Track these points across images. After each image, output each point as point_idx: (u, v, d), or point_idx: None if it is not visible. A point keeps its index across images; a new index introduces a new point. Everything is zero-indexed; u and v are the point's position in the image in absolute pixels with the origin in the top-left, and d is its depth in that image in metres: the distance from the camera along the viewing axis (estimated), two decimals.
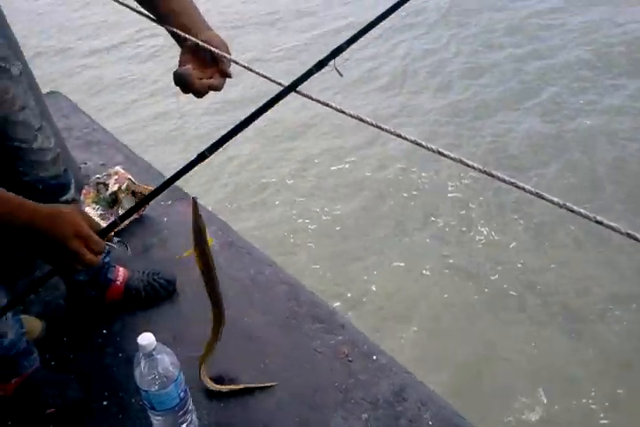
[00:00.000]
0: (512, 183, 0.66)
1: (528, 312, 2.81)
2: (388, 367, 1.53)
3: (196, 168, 0.94)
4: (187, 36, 1.00)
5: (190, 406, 1.39)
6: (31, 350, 1.55)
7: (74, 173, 1.73)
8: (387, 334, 2.72)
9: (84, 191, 2.21)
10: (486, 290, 2.93)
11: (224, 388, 1.53)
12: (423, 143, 0.74)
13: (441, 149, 0.73)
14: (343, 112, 0.71)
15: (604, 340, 2.64)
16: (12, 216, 0.97)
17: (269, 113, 0.87)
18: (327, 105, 0.72)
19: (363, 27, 0.77)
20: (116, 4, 1.11)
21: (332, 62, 0.74)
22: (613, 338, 2.64)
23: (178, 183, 2.44)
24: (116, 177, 2.21)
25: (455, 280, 2.99)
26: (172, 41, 1.08)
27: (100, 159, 2.50)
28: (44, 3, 6.98)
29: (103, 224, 2.08)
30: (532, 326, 2.75)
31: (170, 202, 2.24)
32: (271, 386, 1.52)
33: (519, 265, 3.03)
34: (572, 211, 0.67)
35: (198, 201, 1.29)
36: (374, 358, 1.55)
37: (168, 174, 2.36)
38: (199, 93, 0.99)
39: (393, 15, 0.81)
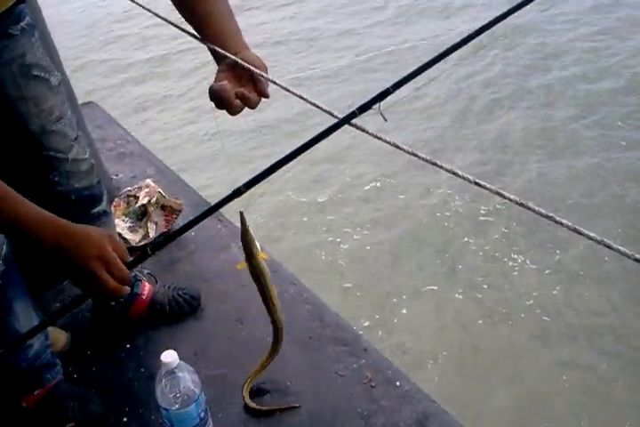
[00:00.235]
0: (549, 217, 0.64)
1: (561, 338, 2.74)
2: (411, 394, 1.50)
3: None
4: (226, 53, 1.00)
5: (210, 426, 1.38)
6: (55, 362, 1.56)
7: (106, 185, 1.75)
8: (414, 358, 2.67)
9: (114, 203, 2.23)
10: (522, 315, 2.86)
11: (263, 407, 1.50)
12: (460, 173, 0.73)
13: (478, 180, 0.72)
14: (397, 147, 0.70)
15: None
16: (40, 231, 0.97)
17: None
18: (378, 138, 0.71)
19: (412, 70, 0.75)
20: (157, 19, 1.12)
21: (376, 106, 0.73)
22: None
23: (209, 199, 2.46)
24: (147, 190, 2.23)
25: (488, 305, 2.93)
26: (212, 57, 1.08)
27: (131, 171, 2.53)
28: (88, 14, 7.12)
29: (132, 236, 2.12)
30: (563, 354, 2.67)
31: None
32: (295, 407, 1.50)
33: (554, 292, 2.95)
34: (610, 247, 0.65)
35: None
36: (397, 384, 1.52)
37: (201, 192, 2.36)
38: (233, 109, 0.98)
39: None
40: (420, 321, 2.90)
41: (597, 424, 2.37)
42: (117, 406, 1.57)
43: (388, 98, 0.81)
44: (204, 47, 1.06)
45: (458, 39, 0.84)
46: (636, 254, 0.64)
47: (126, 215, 2.22)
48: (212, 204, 2.46)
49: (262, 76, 0.98)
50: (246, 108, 1.00)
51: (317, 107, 0.86)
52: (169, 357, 1.24)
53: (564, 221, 0.66)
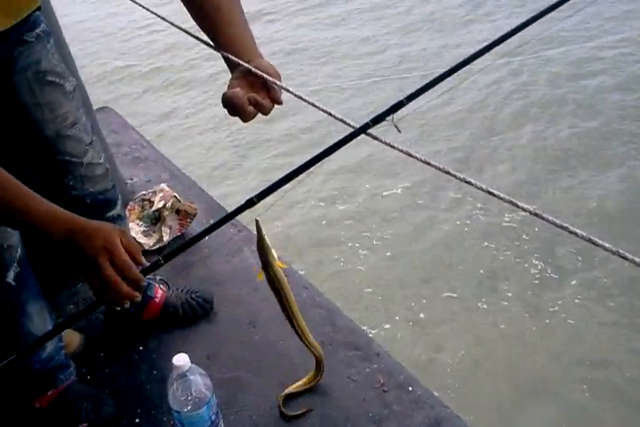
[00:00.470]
0: (563, 227, 0.63)
1: (588, 348, 2.70)
2: (423, 399, 1.49)
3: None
4: (239, 61, 1.00)
5: None
6: (68, 363, 1.57)
7: (120, 189, 1.76)
8: (432, 362, 2.65)
9: (128, 207, 2.25)
10: (547, 321, 2.82)
11: (297, 413, 1.50)
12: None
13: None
14: (421, 160, 0.69)
15: None
16: (51, 225, 0.97)
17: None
18: (394, 147, 0.70)
19: (426, 82, 0.74)
20: (171, 29, 1.13)
21: (389, 117, 0.72)
22: None
23: (222, 202, 2.46)
24: (162, 194, 2.25)
25: (512, 312, 2.89)
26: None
27: (145, 176, 2.55)
28: (108, 23, 7.20)
29: (146, 240, 2.13)
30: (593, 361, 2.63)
31: (212, 221, 2.25)
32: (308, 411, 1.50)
33: (577, 300, 2.91)
34: (625, 258, 0.64)
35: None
36: (410, 389, 1.51)
37: (220, 201, 2.34)
38: (246, 115, 0.97)
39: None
40: (437, 326, 2.87)
41: None
42: (130, 408, 1.58)
43: (417, 103, 0.80)
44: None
45: (477, 48, 0.83)
46: None
47: (141, 219, 2.24)
48: (227, 211, 2.48)
49: (275, 83, 0.97)
50: (259, 115, 1.00)
51: (332, 115, 0.86)
52: (181, 360, 1.25)
53: (578, 232, 0.65)
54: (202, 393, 1.28)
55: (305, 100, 0.91)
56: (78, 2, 7.71)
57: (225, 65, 1.07)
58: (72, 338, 1.74)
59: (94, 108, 2.30)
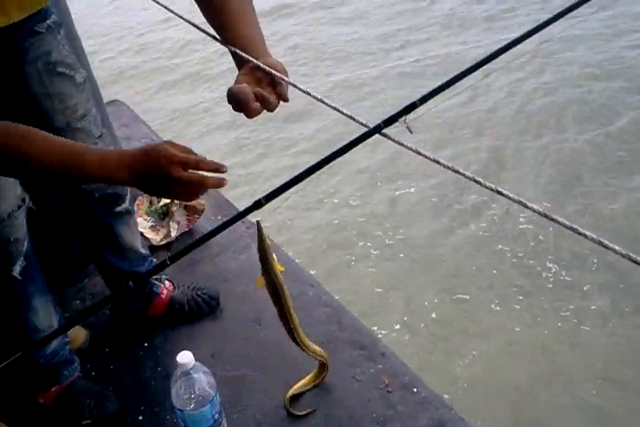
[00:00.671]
0: (573, 229, 0.61)
1: (602, 353, 2.65)
2: (428, 401, 1.47)
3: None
4: (247, 56, 0.99)
5: None
6: (73, 359, 1.57)
7: None
8: (441, 364, 2.63)
9: (137, 202, 2.25)
10: (560, 324, 2.78)
11: (303, 413, 1.49)
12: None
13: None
14: (439, 163, 0.67)
15: None
16: (112, 175, 0.95)
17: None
18: (410, 148, 0.68)
19: (441, 84, 0.72)
20: (187, 25, 1.12)
21: (402, 119, 0.70)
22: None
23: (229, 197, 2.45)
24: None
25: (525, 316, 2.85)
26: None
27: None
28: (125, 18, 7.16)
29: (153, 235, 2.13)
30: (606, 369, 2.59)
31: (219, 217, 2.25)
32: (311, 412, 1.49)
33: (593, 307, 2.88)
34: (637, 263, 0.62)
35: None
36: (415, 390, 1.50)
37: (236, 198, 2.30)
38: (251, 111, 0.95)
39: None
40: (448, 328, 2.85)
41: None
42: (133, 405, 1.58)
43: (434, 101, 0.77)
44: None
45: (496, 47, 0.80)
46: None
47: (148, 214, 2.23)
48: (236, 207, 2.45)
49: (283, 79, 0.96)
50: (276, 114, 0.98)
51: (342, 113, 0.84)
52: (184, 358, 1.24)
53: (587, 234, 0.64)
54: (205, 392, 1.28)
55: (314, 97, 0.89)
56: None
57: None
58: (77, 333, 1.74)
59: (105, 101, 2.29)
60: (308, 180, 0.84)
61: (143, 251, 1.72)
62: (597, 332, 2.74)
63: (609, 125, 4.11)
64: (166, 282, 1.81)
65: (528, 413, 2.42)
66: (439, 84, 0.78)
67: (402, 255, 3.30)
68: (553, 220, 0.58)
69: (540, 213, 0.59)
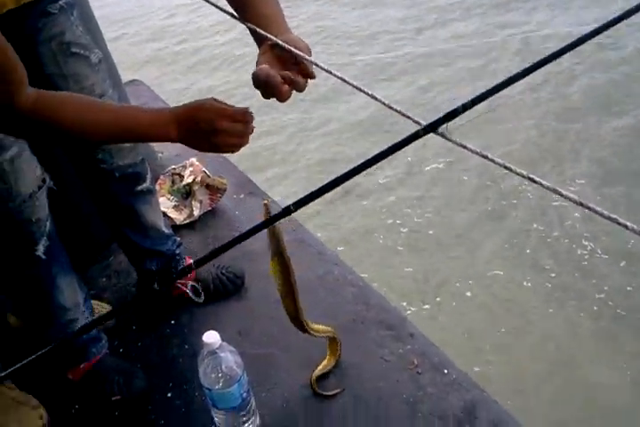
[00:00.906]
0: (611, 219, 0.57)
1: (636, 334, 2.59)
2: (458, 382, 1.45)
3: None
4: (268, 35, 0.95)
5: (253, 406, 1.37)
6: (100, 336, 1.57)
7: (150, 163, 1.73)
8: (472, 342, 2.60)
9: (159, 181, 2.23)
10: (595, 308, 2.72)
11: (330, 393, 1.48)
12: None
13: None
14: (494, 161, 0.63)
15: None
16: (161, 133, 0.99)
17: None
18: (465, 147, 0.64)
19: (487, 89, 0.66)
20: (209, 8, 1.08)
21: (443, 127, 0.66)
22: None
23: (250, 174, 2.42)
24: (192, 168, 2.22)
25: (555, 296, 2.80)
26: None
27: (175, 150, 2.52)
28: (145, 2, 7.06)
29: (176, 215, 2.12)
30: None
31: (242, 196, 2.22)
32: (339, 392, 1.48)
33: (629, 288, 2.82)
34: None
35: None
36: (445, 371, 1.47)
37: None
38: (283, 95, 0.92)
39: None
40: (482, 306, 2.81)
41: None
42: (161, 382, 1.58)
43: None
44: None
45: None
46: None
47: (171, 193, 2.22)
48: (257, 186, 2.43)
49: (305, 58, 0.91)
50: (301, 99, 0.96)
51: (375, 98, 0.80)
52: (211, 337, 1.23)
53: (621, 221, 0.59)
54: (232, 371, 1.27)
55: (335, 76, 0.85)
56: None
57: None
58: (104, 311, 1.74)
59: (124, 81, 2.27)
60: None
61: (166, 230, 1.71)
62: (630, 315, 2.67)
63: None
64: (191, 260, 1.80)
65: (558, 391, 2.38)
66: (487, 88, 0.73)
67: (431, 232, 3.27)
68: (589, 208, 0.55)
69: (576, 202, 0.56)
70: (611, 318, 2.67)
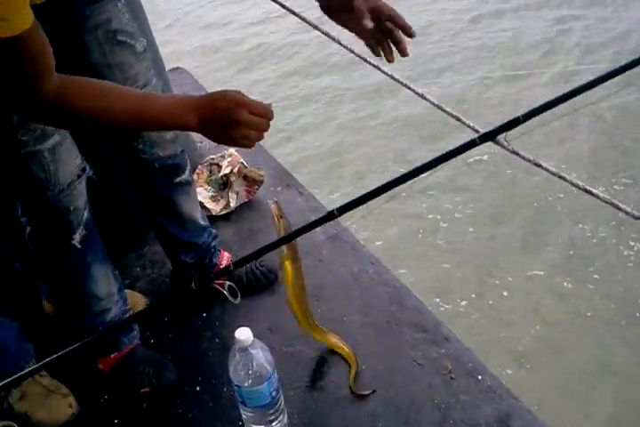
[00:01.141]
0: None
1: None
2: (493, 390, 1.40)
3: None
4: None
5: (282, 405, 1.35)
6: (132, 327, 1.57)
7: (189, 153, 1.72)
8: (504, 341, 2.56)
9: (197, 171, 2.22)
10: (637, 315, 2.63)
11: (365, 392, 1.46)
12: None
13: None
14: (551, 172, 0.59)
15: None
16: (179, 122, 0.98)
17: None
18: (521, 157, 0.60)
19: (550, 99, 0.63)
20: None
21: (502, 136, 0.62)
22: None
23: (289, 168, 2.40)
24: (230, 159, 2.21)
25: (596, 298, 2.72)
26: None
27: None
28: None
29: (213, 206, 2.11)
30: None
31: (279, 188, 2.20)
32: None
33: None
34: None
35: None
36: (479, 378, 1.43)
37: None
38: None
39: None
40: (519, 306, 2.75)
41: None
42: (191, 375, 1.57)
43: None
44: None
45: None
46: None
47: (208, 184, 2.21)
48: (294, 178, 2.40)
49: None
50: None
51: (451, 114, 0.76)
52: (243, 334, 1.20)
53: None
54: (263, 369, 1.25)
55: (386, 74, 0.81)
56: None
57: None
58: (137, 301, 1.74)
59: (167, 68, 2.26)
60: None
61: (202, 222, 1.70)
62: None
63: None
64: (225, 253, 1.79)
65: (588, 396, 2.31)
66: (550, 98, 0.68)
67: (471, 230, 3.20)
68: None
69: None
70: None
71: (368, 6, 1.04)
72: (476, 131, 0.74)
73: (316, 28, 0.96)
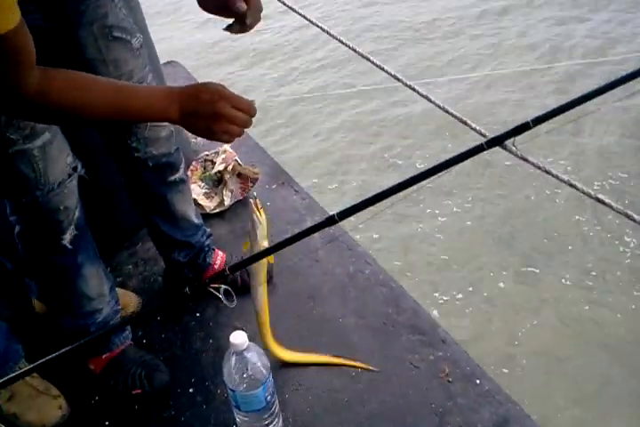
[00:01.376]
0: None
1: None
2: (491, 394, 1.38)
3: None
4: None
5: (277, 408, 1.32)
6: (124, 327, 1.54)
7: (184, 149, 1.69)
8: (500, 339, 2.56)
9: (191, 167, 2.19)
10: (633, 306, 2.64)
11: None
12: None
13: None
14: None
15: None
16: (159, 112, 0.96)
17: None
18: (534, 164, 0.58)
19: (562, 104, 0.61)
20: None
21: (510, 141, 0.60)
22: None
23: (287, 168, 2.36)
24: (224, 156, 2.17)
25: (594, 294, 2.73)
26: None
27: None
28: None
29: (207, 203, 2.07)
30: None
31: (274, 186, 2.17)
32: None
33: None
34: None
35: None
36: (477, 381, 1.41)
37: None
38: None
39: None
40: (514, 302, 2.76)
41: None
42: (184, 377, 1.55)
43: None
44: None
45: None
46: None
47: (202, 180, 2.18)
48: (290, 176, 2.36)
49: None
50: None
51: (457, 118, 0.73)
52: (238, 338, 1.18)
53: None
54: (258, 373, 1.22)
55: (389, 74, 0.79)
56: None
57: None
58: (130, 300, 1.71)
59: (162, 62, 2.21)
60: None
61: (196, 220, 1.66)
62: None
63: None
64: (220, 252, 1.76)
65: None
66: (562, 103, 0.66)
67: (469, 223, 3.20)
68: None
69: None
70: None
71: None
72: (483, 135, 0.71)
73: (316, 25, 0.93)
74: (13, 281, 1.70)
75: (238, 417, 1.32)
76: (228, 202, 2.08)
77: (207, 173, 2.20)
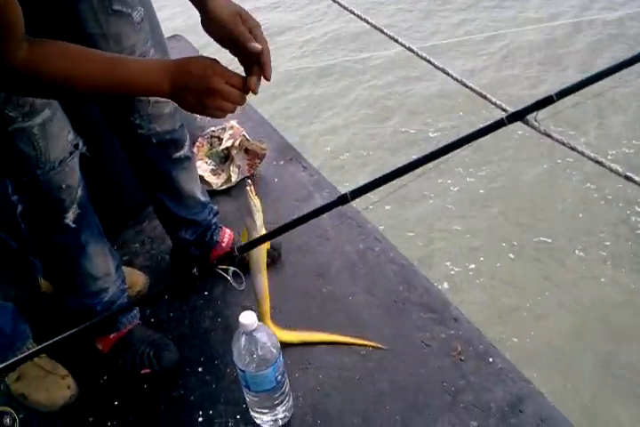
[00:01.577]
0: None
1: None
2: (504, 373, 1.36)
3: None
4: None
5: (287, 388, 1.31)
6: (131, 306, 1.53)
7: (189, 125, 1.65)
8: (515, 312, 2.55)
9: (197, 144, 2.15)
10: None
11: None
12: None
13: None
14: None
15: None
16: (152, 86, 0.93)
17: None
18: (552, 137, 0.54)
19: (587, 76, 0.57)
20: None
21: (532, 115, 0.56)
22: None
23: (294, 144, 2.32)
24: (231, 132, 2.13)
25: (607, 266, 2.71)
26: None
27: None
28: None
29: (214, 180, 2.04)
30: None
31: (282, 162, 2.13)
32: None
33: None
34: None
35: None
36: (490, 360, 1.39)
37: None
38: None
39: None
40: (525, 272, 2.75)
41: None
42: (193, 356, 1.53)
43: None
44: None
45: None
46: None
47: (209, 157, 2.14)
48: (298, 152, 2.31)
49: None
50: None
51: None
52: (247, 318, 1.15)
53: None
54: (268, 353, 1.20)
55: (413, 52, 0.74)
56: None
57: None
58: (137, 279, 1.69)
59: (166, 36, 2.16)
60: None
61: (203, 198, 1.63)
62: None
63: None
64: (227, 230, 1.73)
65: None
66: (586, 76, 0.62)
67: (482, 191, 3.18)
68: None
69: None
70: None
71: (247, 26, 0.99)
72: (504, 110, 0.67)
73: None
74: (19, 261, 1.69)
75: (248, 397, 1.30)
76: (235, 178, 2.04)
77: (214, 150, 2.16)
